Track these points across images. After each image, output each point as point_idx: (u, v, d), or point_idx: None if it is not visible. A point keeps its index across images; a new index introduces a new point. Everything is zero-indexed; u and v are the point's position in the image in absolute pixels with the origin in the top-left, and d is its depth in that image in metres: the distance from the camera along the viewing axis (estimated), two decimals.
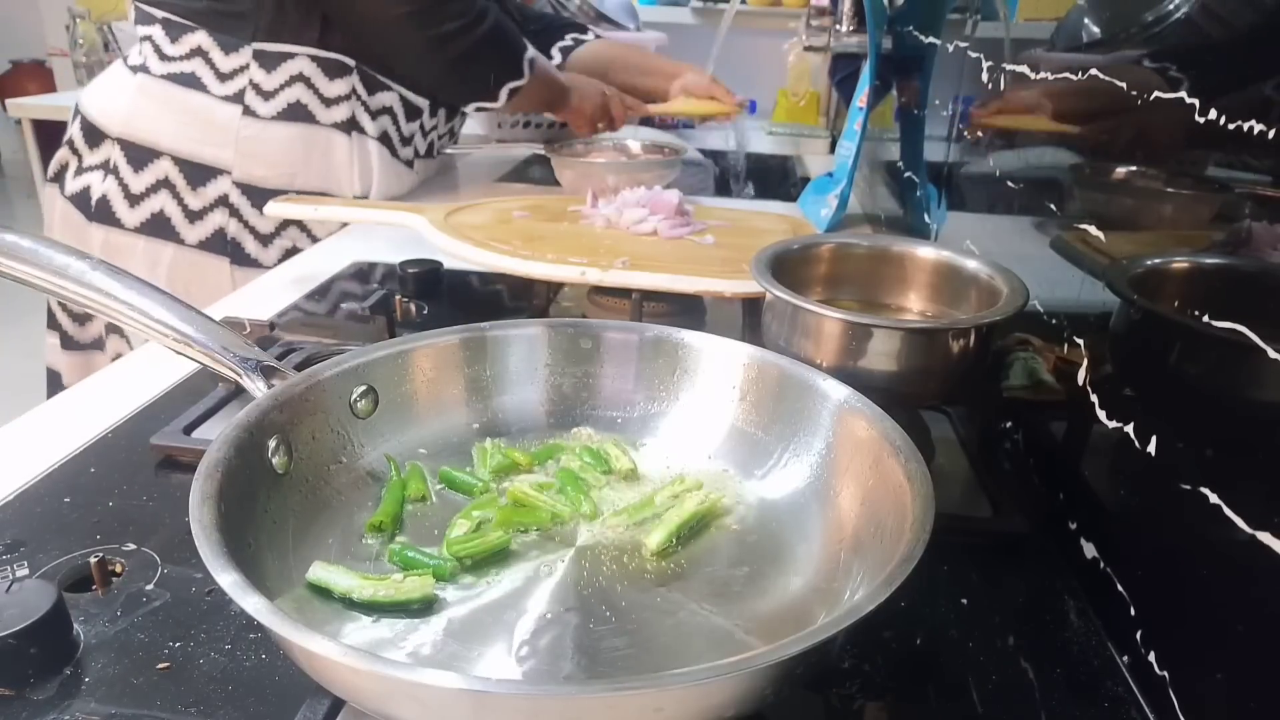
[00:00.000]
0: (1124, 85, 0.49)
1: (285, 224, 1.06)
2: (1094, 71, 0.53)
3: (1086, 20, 0.60)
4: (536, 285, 0.92)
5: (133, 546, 0.48)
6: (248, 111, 1.02)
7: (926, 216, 0.93)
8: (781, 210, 1.20)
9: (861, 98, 1.07)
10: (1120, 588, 0.45)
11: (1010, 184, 0.69)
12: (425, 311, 0.83)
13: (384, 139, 1.11)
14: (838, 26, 1.25)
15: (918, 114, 1.01)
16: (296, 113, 1.04)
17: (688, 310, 0.87)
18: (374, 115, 1.09)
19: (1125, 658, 0.44)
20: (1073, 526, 0.51)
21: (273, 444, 0.43)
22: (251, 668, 0.40)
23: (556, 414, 0.55)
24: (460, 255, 0.85)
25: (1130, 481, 0.46)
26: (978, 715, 0.40)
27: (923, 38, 1.00)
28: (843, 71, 1.57)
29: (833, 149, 1.81)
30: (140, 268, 1.02)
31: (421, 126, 1.18)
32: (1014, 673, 0.43)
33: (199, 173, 1.03)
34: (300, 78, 1.03)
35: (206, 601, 0.44)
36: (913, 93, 1.04)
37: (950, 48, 0.89)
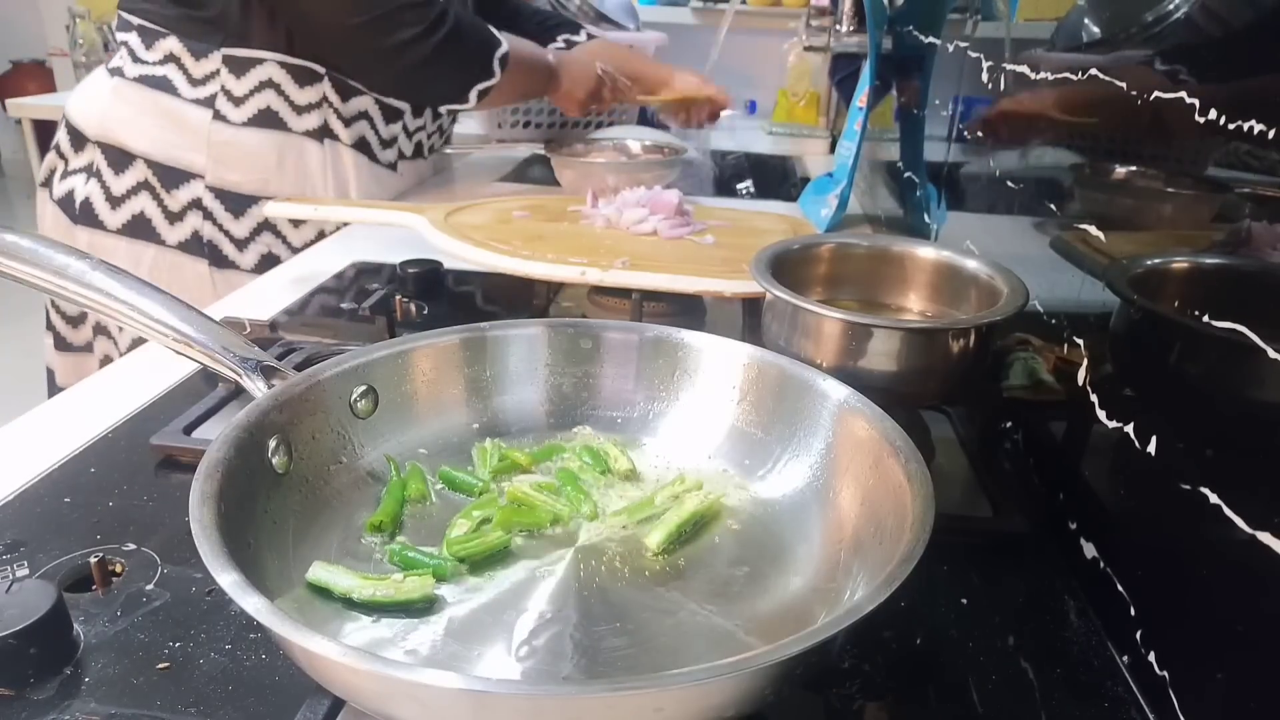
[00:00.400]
0: (1124, 85, 0.49)
1: (260, 228, 1.06)
2: (1094, 71, 0.53)
3: (1086, 20, 0.60)
4: (536, 285, 0.92)
5: (133, 546, 0.48)
6: (218, 117, 1.01)
7: (926, 216, 0.93)
8: (781, 210, 1.20)
9: (861, 98, 1.07)
10: (1120, 588, 0.45)
11: (1010, 184, 0.69)
12: (425, 311, 0.83)
13: (361, 145, 1.11)
14: (838, 26, 1.25)
15: (918, 114, 1.01)
16: (267, 119, 1.03)
17: (688, 310, 0.87)
18: (349, 122, 1.09)
19: (1125, 658, 0.44)
20: (1073, 526, 0.51)
21: (273, 444, 0.43)
22: (251, 668, 0.40)
23: (556, 414, 0.55)
24: (460, 255, 0.85)
25: (1130, 481, 0.46)
26: (978, 715, 0.40)
27: (923, 38, 1.00)
28: (843, 71, 1.57)
29: (833, 149, 1.81)
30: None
31: (405, 128, 1.17)
32: (1014, 673, 0.43)
33: (173, 176, 1.02)
34: (270, 84, 1.02)
35: (206, 601, 0.44)
36: (913, 93, 1.04)
37: (950, 48, 0.89)
